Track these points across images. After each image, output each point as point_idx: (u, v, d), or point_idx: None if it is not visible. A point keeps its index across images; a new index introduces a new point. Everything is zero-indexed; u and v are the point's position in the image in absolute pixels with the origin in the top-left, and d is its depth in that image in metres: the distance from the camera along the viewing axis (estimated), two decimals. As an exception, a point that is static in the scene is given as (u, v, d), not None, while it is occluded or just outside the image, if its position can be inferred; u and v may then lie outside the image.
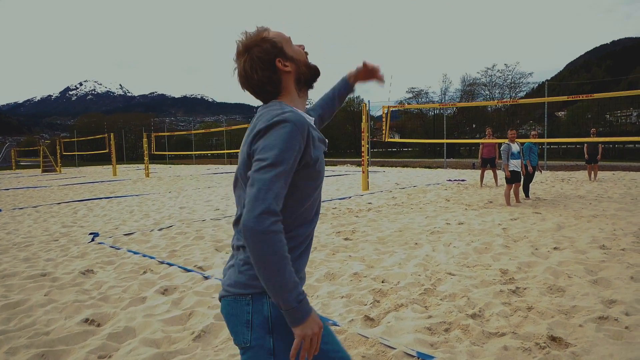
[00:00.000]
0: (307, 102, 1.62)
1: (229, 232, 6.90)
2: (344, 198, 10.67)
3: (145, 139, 22.68)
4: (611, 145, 39.25)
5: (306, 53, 1.60)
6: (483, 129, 42.80)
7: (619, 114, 41.09)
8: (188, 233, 6.80)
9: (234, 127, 23.98)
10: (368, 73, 1.99)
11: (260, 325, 1.40)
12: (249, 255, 1.27)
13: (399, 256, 5.26)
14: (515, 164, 9.23)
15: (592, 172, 14.23)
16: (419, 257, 5.24)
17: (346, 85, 2.01)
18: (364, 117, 12.18)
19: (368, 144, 12.33)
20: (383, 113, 12.03)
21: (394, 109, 12.45)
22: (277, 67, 1.50)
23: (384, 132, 12.11)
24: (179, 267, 4.91)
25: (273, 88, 1.51)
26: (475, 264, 4.99)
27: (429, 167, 22.77)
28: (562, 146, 40.21)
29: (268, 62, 1.50)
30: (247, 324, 1.41)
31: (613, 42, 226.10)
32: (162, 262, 5.11)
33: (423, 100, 48.16)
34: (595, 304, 3.69)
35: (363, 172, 12.21)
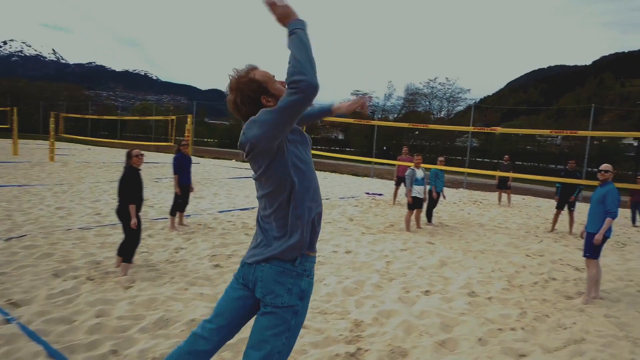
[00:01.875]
0: None
1: (89, 248, 6.23)
2: (246, 209, 10.23)
3: (52, 118, 20.24)
4: (531, 164, 41.21)
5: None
6: (426, 137, 43.81)
7: (546, 136, 43.06)
8: (37, 247, 6.04)
9: (161, 117, 22.81)
10: (352, 109, 2.68)
11: (297, 294, 2.08)
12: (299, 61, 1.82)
13: (256, 296, 4.89)
14: (418, 190, 9.15)
15: (506, 196, 14.57)
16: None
17: (329, 112, 2.73)
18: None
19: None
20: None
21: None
22: (262, 103, 1.98)
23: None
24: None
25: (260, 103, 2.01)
26: (334, 311, 4.72)
27: (356, 175, 22.70)
28: (494, 161, 41.74)
29: (255, 99, 1.97)
30: (289, 291, 2.06)
31: (549, 67, 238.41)
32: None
33: (367, 103, 48.41)
34: (425, 378, 3.48)
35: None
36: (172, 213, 7.80)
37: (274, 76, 2.04)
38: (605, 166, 5.84)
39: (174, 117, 16.35)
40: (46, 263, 5.39)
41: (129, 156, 5.37)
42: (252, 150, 1.95)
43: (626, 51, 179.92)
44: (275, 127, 1.87)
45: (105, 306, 4.29)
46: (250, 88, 1.98)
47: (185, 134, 13.49)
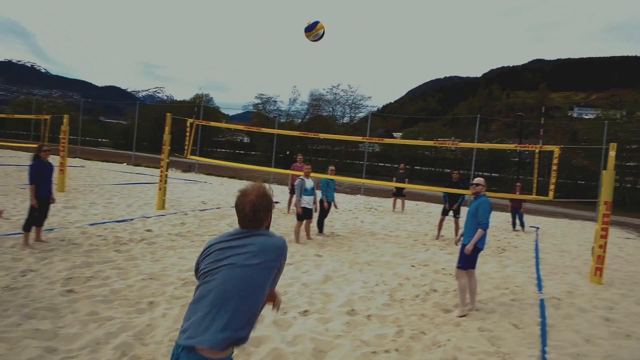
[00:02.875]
0: None
1: None
2: (124, 220, 9.32)
3: None
4: (428, 169, 43.40)
5: None
6: (329, 142, 44.33)
7: (432, 145, 45.53)
8: None
9: (33, 117, 20.69)
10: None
11: None
12: None
13: (106, 330, 4.24)
14: (307, 201, 8.89)
15: (401, 202, 14.88)
16: (129, 332, 4.26)
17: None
18: (167, 128, 10.99)
19: (168, 157, 11.13)
20: (187, 127, 10.95)
21: (199, 123, 11.44)
22: (268, 217, 2.42)
23: (186, 147, 11.02)
24: None
25: (265, 222, 2.39)
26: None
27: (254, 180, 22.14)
28: (395, 165, 43.28)
29: (266, 211, 2.39)
30: None
31: (445, 77, 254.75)
32: None
33: (271, 107, 48.15)
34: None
35: (160, 188, 10.95)
36: (27, 228, 6.80)
37: None
38: (477, 180, 5.94)
39: (48, 117, 14.70)
40: None
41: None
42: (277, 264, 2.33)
43: (511, 65, 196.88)
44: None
45: None
46: (268, 202, 2.38)
47: (61, 136, 12.16)
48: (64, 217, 9.10)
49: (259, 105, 48.52)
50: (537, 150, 10.96)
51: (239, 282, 2.16)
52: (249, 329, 2.18)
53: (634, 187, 34.57)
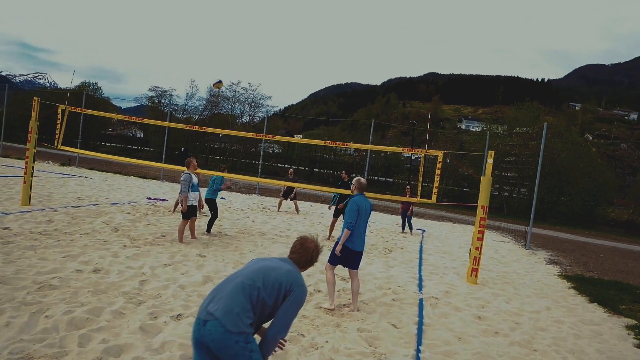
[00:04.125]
0: None
1: None
2: (-23, 216, 8.13)
3: None
4: (327, 171, 44.24)
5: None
6: (228, 140, 43.30)
7: (340, 145, 46.62)
8: None
9: None
10: None
11: None
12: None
13: None
14: (194, 197, 8.39)
15: (294, 203, 14.77)
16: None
17: None
18: (34, 114, 9.84)
19: (35, 147, 9.97)
20: (58, 114, 9.89)
21: (72, 110, 10.37)
22: (307, 267, 3.17)
23: (57, 137, 9.95)
24: None
25: (303, 265, 3.13)
26: (43, 354, 3.66)
27: (144, 178, 20.88)
28: (294, 167, 43.42)
29: (311, 261, 3.16)
30: None
31: (347, 83, 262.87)
32: None
33: (166, 101, 46.03)
34: None
35: (24, 181, 9.75)
36: None
37: None
38: (353, 180, 6.03)
39: None
40: None
41: None
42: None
43: (408, 76, 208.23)
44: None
45: None
46: (314, 257, 3.19)
47: None
48: None
49: (154, 99, 46.13)
50: (422, 155, 11.43)
51: (259, 271, 2.89)
52: (244, 306, 2.74)
53: (510, 195, 37.98)
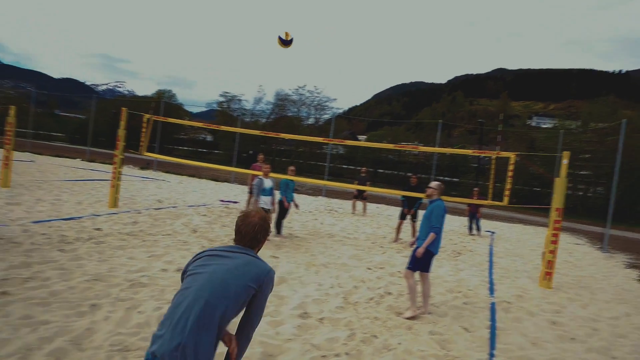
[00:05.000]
0: None
1: None
2: (72, 218, 8.92)
3: None
4: (391, 172, 43.88)
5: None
6: (294, 143, 44.15)
7: (392, 148, 46.13)
8: None
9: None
10: None
11: None
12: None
13: (40, 334, 3.98)
14: (265, 201, 8.74)
15: (361, 204, 14.94)
16: (65, 337, 4.01)
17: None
18: (122, 123, 10.61)
19: (122, 154, 10.75)
20: (144, 123, 10.61)
21: (157, 119, 11.10)
22: (262, 243, 2.69)
23: (141, 143, 10.68)
24: None
25: (259, 246, 2.65)
26: (139, 347, 4.02)
27: (216, 180, 21.80)
28: (358, 168, 43.47)
29: (263, 236, 2.66)
30: None
31: (411, 82, 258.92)
32: None
33: (236, 106, 47.63)
34: None
35: (112, 185, 10.55)
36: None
37: None
38: (432, 184, 5.97)
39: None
40: None
41: None
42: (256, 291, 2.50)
43: (474, 73, 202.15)
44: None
45: None
46: (266, 230, 2.69)
47: (7, 128, 11.58)
48: (5, 214, 8.62)
49: (224, 104, 47.87)
50: (493, 157, 11.18)
51: (215, 285, 2.33)
52: (211, 334, 2.25)
53: (585, 195, 35.91)
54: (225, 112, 48.05)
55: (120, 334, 4.25)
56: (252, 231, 2.59)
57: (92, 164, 23.65)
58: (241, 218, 2.64)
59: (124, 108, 10.67)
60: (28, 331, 4.03)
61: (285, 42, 8.27)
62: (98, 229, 8.25)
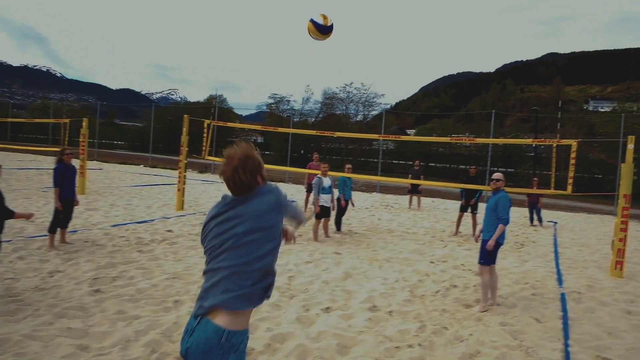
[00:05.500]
0: None
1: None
2: (145, 221, 9.48)
3: None
4: (443, 165, 43.18)
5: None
6: (343, 141, 44.37)
7: (449, 141, 45.28)
8: None
9: (53, 120, 21.11)
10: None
11: None
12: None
13: (135, 328, 4.34)
14: (325, 199, 8.95)
15: (416, 199, 14.91)
16: (157, 330, 4.36)
17: None
18: (184, 129, 11.13)
19: (186, 159, 11.27)
20: (205, 128, 11.08)
21: (216, 124, 11.55)
22: (257, 179, 2.29)
23: (204, 148, 11.15)
24: None
25: (249, 189, 2.25)
26: (223, 338, 4.30)
27: (271, 180, 22.27)
28: (409, 163, 43.10)
29: (254, 174, 2.27)
30: None
31: (458, 73, 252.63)
32: None
33: (285, 107, 48.32)
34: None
35: (178, 189, 11.10)
36: (52, 230, 6.96)
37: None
38: (496, 175, 5.93)
39: (67, 120, 14.98)
40: None
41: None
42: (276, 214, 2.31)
43: (524, 60, 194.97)
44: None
45: None
46: (255, 163, 2.26)
47: (80, 139, 12.39)
48: (86, 219, 9.28)
49: (272, 105, 48.70)
50: (554, 145, 10.90)
51: (245, 256, 2.15)
52: (264, 283, 2.25)
53: (652, 180, 33.99)
54: (274, 113, 48.88)
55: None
56: (236, 177, 2.20)
57: (154, 169, 24.76)
58: (223, 165, 2.25)
59: (185, 115, 11.19)
60: (124, 325, 4.40)
61: (324, 30, 5.80)
62: (169, 231, 8.73)
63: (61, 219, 7.06)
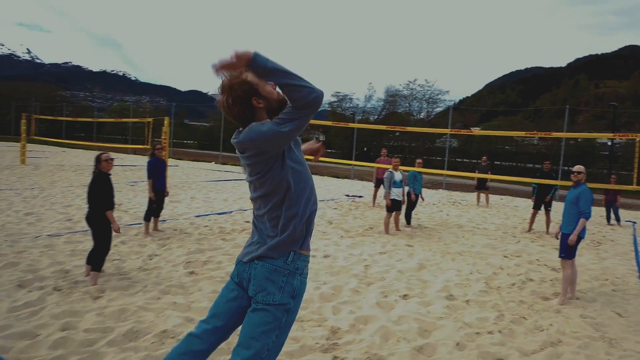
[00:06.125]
0: None
1: (57, 256, 6.03)
2: (224, 213, 10.07)
3: (23, 120, 19.58)
4: (509, 164, 41.75)
5: (278, 92, 2.06)
6: (406, 138, 44.10)
7: (524, 135, 43.70)
8: (2, 256, 5.77)
9: (138, 120, 22.58)
10: (313, 152, 2.67)
11: (289, 292, 2.12)
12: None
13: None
14: (396, 193, 9.12)
15: (484, 196, 14.73)
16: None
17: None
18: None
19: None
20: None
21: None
22: (253, 104, 2.01)
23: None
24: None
25: (248, 119, 2.01)
26: (311, 318, 4.63)
27: (337, 177, 22.66)
28: (473, 161, 42.11)
29: (246, 100, 1.99)
30: (280, 289, 2.09)
31: (526, 68, 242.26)
32: None
33: (347, 105, 48.64)
34: (401, 387, 3.41)
35: (252, 183, 11.65)
36: (147, 218, 7.62)
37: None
38: (577, 168, 5.88)
39: (150, 120, 16.05)
40: (10, 273, 5.18)
41: (97, 160, 5.21)
42: (255, 155, 2.01)
43: (600, 53, 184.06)
44: (288, 138, 1.98)
45: (72, 318, 4.13)
46: (242, 89, 2.00)
47: (162, 137, 13.25)
48: (172, 210, 9.99)
49: (334, 103, 49.11)
50: (638, 139, 10.45)
51: (258, 200, 2.18)
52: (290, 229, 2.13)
53: None
54: (335, 111, 49.26)
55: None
56: (231, 111, 2.06)
57: (224, 166, 25.89)
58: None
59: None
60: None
61: None
62: (248, 222, 9.24)
63: (154, 208, 7.70)
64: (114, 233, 5.23)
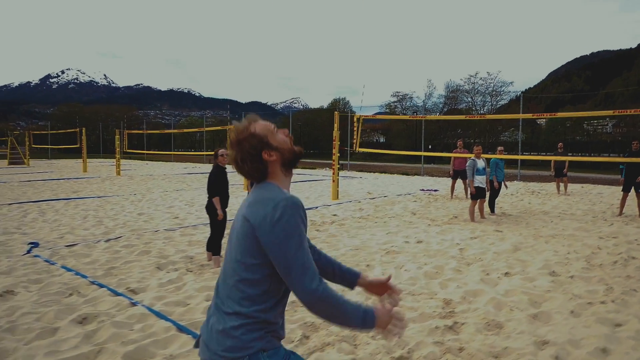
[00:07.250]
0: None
1: (179, 245, 6.68)
2: (310, 208, 10.52)
3: (117, 136, 22.44)
4: (581, 154, 39.87)
5: (290, 138, 1.78)
6: (467, 135, 43.30)
7: (595, 124, 41.68)
8: (135, 246, 6.56)
9: (212, 128, 23.81)
10: (381, 289, 2.01)
11: None
12: (322, 316, 1.55)
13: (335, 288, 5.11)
14: (480, 180, 9.19)
15: (562, 185, 14.36)
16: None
17: (351, 282, 2.03)
18: (335, 125, 12.06)
19: (339, 152, 12.20)
20: (355, 123, 11.90)
21: (366, 118, 12.33)
22: (264, 158, 1.70)
23: (355, 142, 11.98)
24: (109, 289, 4.69)
25: (262, 174, 1.72)
26: (421, 292, 4.89)
27: (406, 174, 22.74)
28: (542, 153, 40.66)
29: (256, 155, 1.69)
30: None
31: (592, 53, 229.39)
32: (92, 283, 4.89)
33: (407, 104, 48.43)
34: (528, 345, 3.60)
35: (333, 180, 12.07)
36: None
37: (274, 127, 1.76)
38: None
39: (232, 127, 16.96)
40: (147, 259, 5.85)
41: (215, 155, 5.77)
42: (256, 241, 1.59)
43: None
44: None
45: (212, 292, 4.63)
46: (251, 144, 1.69)
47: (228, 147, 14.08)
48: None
49: (394, 103, 49.06)
50: None
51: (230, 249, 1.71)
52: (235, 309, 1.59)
53: None
54: (392, 111, 49.14)
55: (400, 283, 5.17)
56: (239, 165, 1.73)
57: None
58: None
59: (336, 112, 12.13)
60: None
61: None
62: (335, 215, 9.63)
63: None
64: (230, 220, 5.75)
